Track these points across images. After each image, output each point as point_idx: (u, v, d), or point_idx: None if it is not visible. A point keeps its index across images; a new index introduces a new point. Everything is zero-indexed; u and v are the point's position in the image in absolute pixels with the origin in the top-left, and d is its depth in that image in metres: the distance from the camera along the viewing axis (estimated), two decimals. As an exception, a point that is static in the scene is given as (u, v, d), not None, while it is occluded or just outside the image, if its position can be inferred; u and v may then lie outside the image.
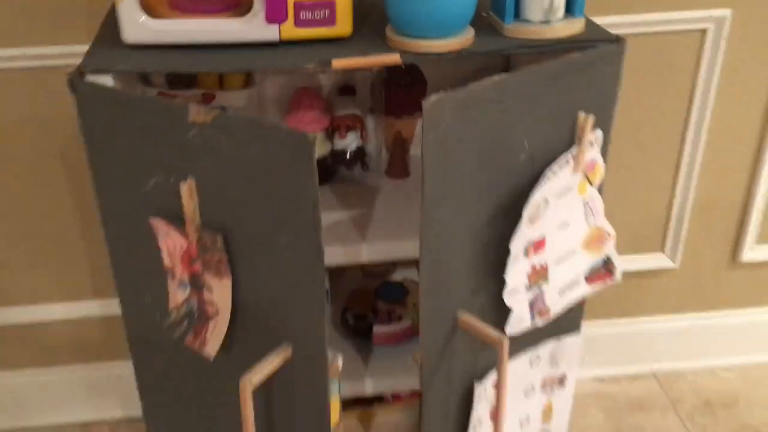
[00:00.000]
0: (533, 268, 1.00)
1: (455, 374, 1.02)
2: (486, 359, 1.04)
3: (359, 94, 1.24)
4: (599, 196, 1.03)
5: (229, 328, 0.91)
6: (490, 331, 0.93)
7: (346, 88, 1.23)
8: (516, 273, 0.98)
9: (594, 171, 1.01)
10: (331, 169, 1.23)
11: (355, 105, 1.21)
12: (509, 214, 0.93)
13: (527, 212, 0.92)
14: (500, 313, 0.99)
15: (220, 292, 0.90)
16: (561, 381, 1.18)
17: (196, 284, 0.92)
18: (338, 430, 1.01)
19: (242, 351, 0.92)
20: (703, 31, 1.42)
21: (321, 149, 1.18)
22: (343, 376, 1.16)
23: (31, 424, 1.69)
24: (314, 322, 0.87)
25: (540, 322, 1.04)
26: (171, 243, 0.90)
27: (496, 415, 0.98)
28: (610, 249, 1.07)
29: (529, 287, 1.01)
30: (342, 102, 1.21)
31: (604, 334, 1.76)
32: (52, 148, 1.40)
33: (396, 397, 1.33)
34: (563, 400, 1.20)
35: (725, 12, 1.40)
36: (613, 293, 1.70)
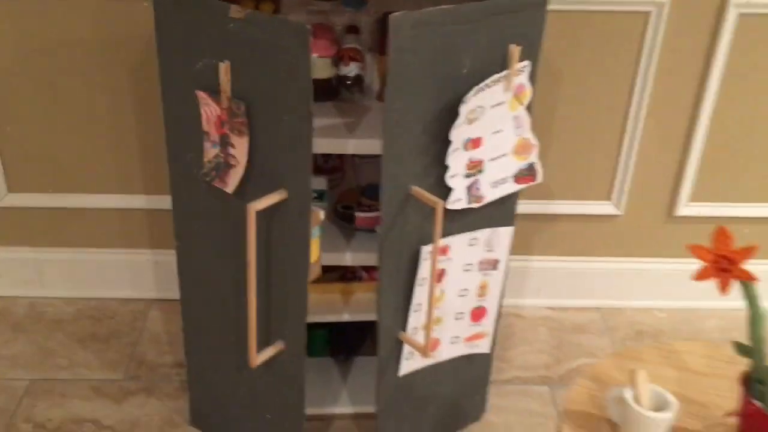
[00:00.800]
0: (470, 160, 1.35)
1: (406, 238, 1.37)
2: (431, 230, 1.39)
3: (362, 33, 1.60)
4: (527, 113, 1.38)
5: (243, 174, 1.28)
6: (431, 197, 1.29)
7: (353, 27, 1.60)
8: (456, 161, 1.33)
9: (522, 93, 1.36)
10: (335, 89, 1.58)
11: (359, 42, 1.57)
12: (452, 114, 1.28)
13: (464, 111, 1.27)
14: (443, 192, 1.35)
15: (240, 149, 1.27)
16: (494, 264, 1.53)
17: (224, 143, 1.29)
18: (316, 266, 1.37)
19: (252, 191, 1.28)
20: (647, 14, 1.76)
21: (328, 72, 1.54)
22: (329, 249, 1.52)
23: (79, 295, 2.08)
24: (304, 174, 1.23)
25: (475, 204, 1.39)
26: (209, 110, 1.28)
27: (431, 273, 1.33)
28: (534, 157, 1.42)
29: (467, 175, 1.36)
30: (348, 38, 1.57)
31: (558, 269, 2.09)
32: (117, 60, 1.78)
33: (371, 276, 1.69)
34: (496, 281, 1.54)
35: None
36: (566, 234, 2.04)
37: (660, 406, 0.96)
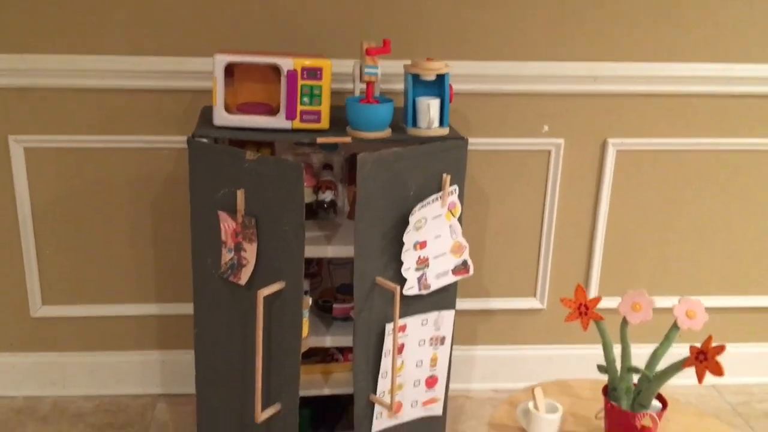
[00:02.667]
0: (419, 258, 1.83)
1: (374, 319, 1.82)
2: (392, 311, 1.85)
3: (335, 168, 2.12)
4: (458, 223, 1.88)
5: (253, 271, 1.74)
6: (390, 284, 1.75)
7: (327, 165, 2.12)
8: (408, 259, 1.81)
9: (455, 208, 1.87)
10: (315, 211, 2.08)
11: (332, 175, 2.09)
12: (403, 224, 1.78)
13: (412, 221, 1.77)
14: (400, 282, 1.82)
15: (250, 252, 1.74)
16: (442, 340, 1.97)
17: (238, 248, 1.75)
18: (306, 341, 1.81)
19: (258, 284, 1.74)
20: (548, 152, 2.33)
21: (310, 198, 2.04)
22: (312, 334, 1.96)
23: (97, 393, 2.43)
24: (297, 268, 1.70)
25: (424, 291, 1.86)
26: (227, 225, 1.75)
27: (393, 345, 1.78)
28: (466, 255, 1.91)
29: (417, 269, 1.84)
30: (324, 173, 2.09)
31: (498, 357, 2.54)
32: (140, 195, 2.26)
33: (346, 358, 2.11)
34: (444, 354, 1.98)
35: (561, 141, 2.31)
36: (503, 326, 2.51)
37: (552, 411, 1.39)
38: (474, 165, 2.27)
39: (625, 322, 1.35)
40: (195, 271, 1.87)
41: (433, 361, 1.98)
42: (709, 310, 2.50)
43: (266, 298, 1.70)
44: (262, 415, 1.77)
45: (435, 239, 1.85)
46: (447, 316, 1.96)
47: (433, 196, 1.80)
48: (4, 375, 2.39)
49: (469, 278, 1.97)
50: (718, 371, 1.25)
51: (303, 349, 1.80)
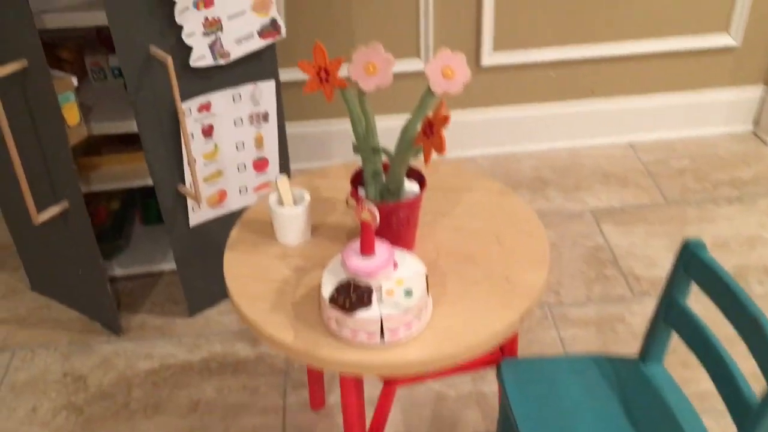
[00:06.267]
0: (206, 18, 1.47)
1: (160, 99, 1.50)
2: (187, 89, 1.52)
3: None
4: (258, -29, 1.49)
5: (-11, 48, 1.40)
6: (161, 54, 1.41)
7: None
8: (189, 21, 1.45)
9: (249, -49, 1.46)
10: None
11: None
12: (174, -25, 1.39)
13: (180, -29, 1.38)
14: (185, 52, 1.47)
15: (-19, 24, 1.39)
16: (265, 117, 1.67)
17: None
18: (79, 128, 1.52)
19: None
20: None
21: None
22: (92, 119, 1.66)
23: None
24: (36, 45, 1.36)
25: (222, 61, 1.52)
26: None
27: (181, 128, 1.47)
28: (274, 12, 1.54)
29: (206, 33, 1.48)
30: None
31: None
32: None
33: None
34: (270, 132, 1.69)
35: None
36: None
37: (300, 202, 1.12)
38: None
39: (360, 91, 1.01)
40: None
41: (258, 141, 1.69)
42: (626, 57, 2.14)
43: (8, 81, 1.38)
44: (40, 216, 1.53)
45: (226, -6, 1.47)
46: (266, 89, 1.64)
47: (208, -64, 1.39)
48: None
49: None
50: (439, 147, 0.93)
51: (77, 138, 1.52)
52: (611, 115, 2.27)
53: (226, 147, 1.65)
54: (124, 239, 1.93)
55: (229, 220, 1.74)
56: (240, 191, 1.73)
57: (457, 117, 2.23)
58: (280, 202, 1.13)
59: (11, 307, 1.84)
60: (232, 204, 1.73)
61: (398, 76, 2.15)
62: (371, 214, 0.94)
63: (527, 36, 2.11)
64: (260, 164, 1.72)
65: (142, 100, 1.49)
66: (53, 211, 1.56)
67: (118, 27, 1.40)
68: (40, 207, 1.58)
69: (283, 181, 1.12)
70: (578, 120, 2.27)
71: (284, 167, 1.76)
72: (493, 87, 2.19)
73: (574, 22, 2.10)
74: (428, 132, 0.96)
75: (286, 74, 2.05)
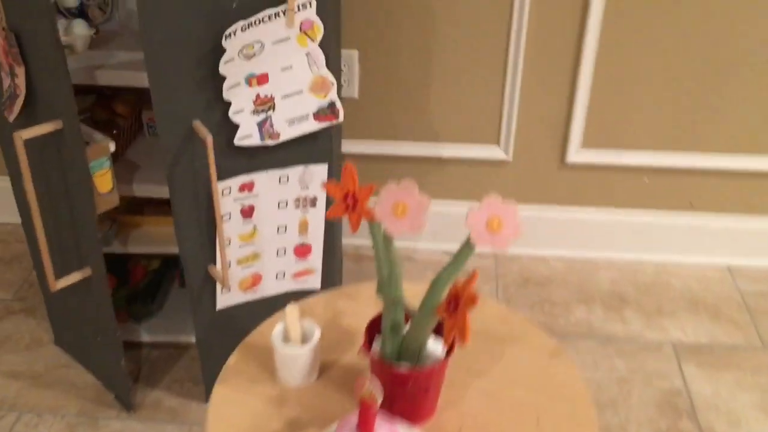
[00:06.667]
0: (258, 96, 1.34)
1: (199, 174, 1.38)
2: (229, 167, 1.40)
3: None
4: (320, 50, 1.35)
5: (24, 104, 1.32)
6: (203, 130, 1.29)
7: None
8: (239, 97, 1.32)
9: (312, 29, 1.33)
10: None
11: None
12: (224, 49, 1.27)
13: (233, 47, 1.26)
14: (231, 129, 1.35)
15: (21, 78, 1.30)
16: (313, 202, 1.52)
17: (12, 72, 1.32)
18: (111, 196, 1.41)
19: (28, 121, 1.33)
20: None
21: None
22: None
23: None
24: (68, 101, 1.26)
25: (270, 141, 1.38)
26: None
27: (215, 206, 1.34)
28: (333, 95, 1.39)
29: (256, 111, 1.35)
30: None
31: (452, 214, 2.05)
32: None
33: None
34: (316, 218, 1.54)
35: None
36: (457, 177, 2.00)
37: (310, 337, 0.95)
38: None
39: (386, 234, 0.84)
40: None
41: (303, 227, 1.54)
42: (733, 172, 1.87)
43: (39, 142, 1.29)
44: (58, 284, 1.43)
45: (282, 72, 1.34)
46: (318, 172, 1.49)
47: (268, 12, 1.27)
48: None
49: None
50: (462, 333, 0.74)
51: (107, 206, 1.41)
52: (710, 233, 2.02)
53: (266, 230, 1.51)
54: (157, 304, 1.81)
55: (261, 305, 1.59)
56: (277, 276, 1.58)
57: (534, 212, 2.03)
58: (286, 337, 0.97)
59: (31, 361, 1.75)
60: (267, 289, 1.58)
61: (471, 162, 1.97)
62: (372, 395, 0.77)
63: (621, 135, 1.89)
64: (302, 250, 1.57)
65: (179, 176, 1.37)
66: (73, 278, 1.46)
67: (161, 98, 1.28)
68: (65, 269, 1.48)
69: (292, 312, 0.96)
70: (671, 233, 2.02)
71: (330, 256, 1.61)
72: (577, 186, 1.98)
73: (676, 127, 1.87)
74: (452, 307, 0.78)
75: (350, 145, 1.91)
